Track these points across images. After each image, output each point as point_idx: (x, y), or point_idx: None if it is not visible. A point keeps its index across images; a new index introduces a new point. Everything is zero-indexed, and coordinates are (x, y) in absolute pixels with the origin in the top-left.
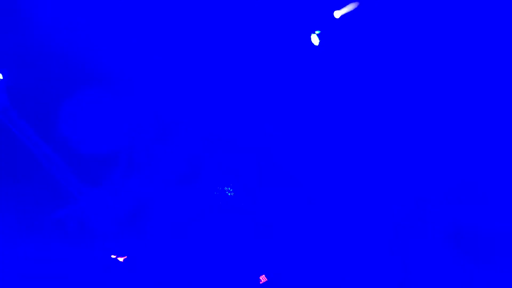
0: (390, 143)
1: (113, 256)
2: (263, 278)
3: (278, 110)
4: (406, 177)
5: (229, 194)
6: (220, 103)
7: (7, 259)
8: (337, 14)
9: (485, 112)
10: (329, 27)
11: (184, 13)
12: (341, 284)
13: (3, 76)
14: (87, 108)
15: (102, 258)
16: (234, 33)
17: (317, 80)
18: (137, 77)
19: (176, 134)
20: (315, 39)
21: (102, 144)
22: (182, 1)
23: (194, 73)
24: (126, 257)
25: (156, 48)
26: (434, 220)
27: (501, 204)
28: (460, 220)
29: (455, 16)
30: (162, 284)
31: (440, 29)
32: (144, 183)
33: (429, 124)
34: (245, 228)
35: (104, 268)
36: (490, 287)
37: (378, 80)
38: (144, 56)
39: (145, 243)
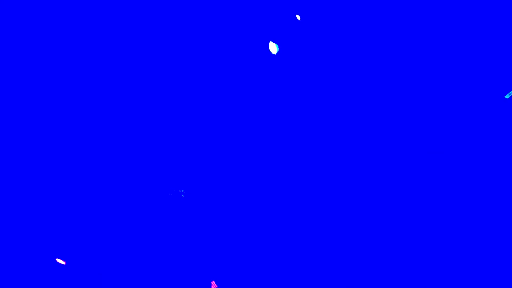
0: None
1: (58, 260)
2: (213, 284)
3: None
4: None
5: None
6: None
7: None
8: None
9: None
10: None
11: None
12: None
13: None
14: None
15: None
16: (217, 35)
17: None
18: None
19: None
20: (273, 48)
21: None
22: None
23: (169, 77)
24: (67, 259)
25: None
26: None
27: (500, 205)
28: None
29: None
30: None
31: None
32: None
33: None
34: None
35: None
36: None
37: (366, 79)
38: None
39: (94, 245)
